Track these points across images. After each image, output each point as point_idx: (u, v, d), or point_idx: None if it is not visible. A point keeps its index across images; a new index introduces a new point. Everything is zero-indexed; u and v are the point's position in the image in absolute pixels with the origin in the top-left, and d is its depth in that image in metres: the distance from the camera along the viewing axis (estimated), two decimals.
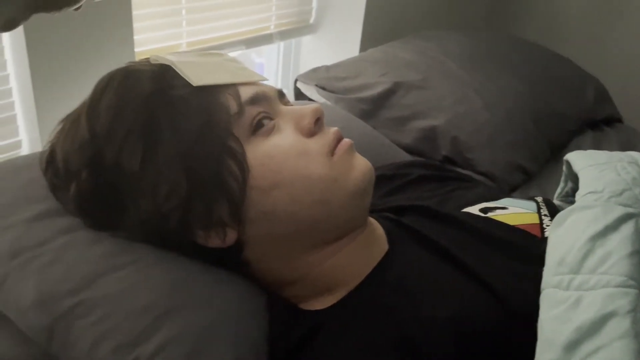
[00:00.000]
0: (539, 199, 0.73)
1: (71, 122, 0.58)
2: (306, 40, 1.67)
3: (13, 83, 0.97)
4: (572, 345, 0.45)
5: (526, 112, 1.21)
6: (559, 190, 0.79)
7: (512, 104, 1.20)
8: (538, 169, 1.17)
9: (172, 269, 0.56)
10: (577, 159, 0.68)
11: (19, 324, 0.54)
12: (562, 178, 0.77)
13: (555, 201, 0.78)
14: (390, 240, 0.62)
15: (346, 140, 0.58)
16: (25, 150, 1.03)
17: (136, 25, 1.10)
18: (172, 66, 0.56)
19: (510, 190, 1.12)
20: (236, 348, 0.53)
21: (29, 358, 0.55)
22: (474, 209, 0.70)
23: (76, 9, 0.49)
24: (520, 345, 0.50)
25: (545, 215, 0.68)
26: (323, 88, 1.24)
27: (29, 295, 0.52)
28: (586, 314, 0.46)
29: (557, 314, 0.48)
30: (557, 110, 1.29)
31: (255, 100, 0.56)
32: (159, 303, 0.53)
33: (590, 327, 0.45)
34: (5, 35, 0.93)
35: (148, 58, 0.60)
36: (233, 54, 1.26)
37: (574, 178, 0.71)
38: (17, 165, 0.65)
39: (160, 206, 0.53)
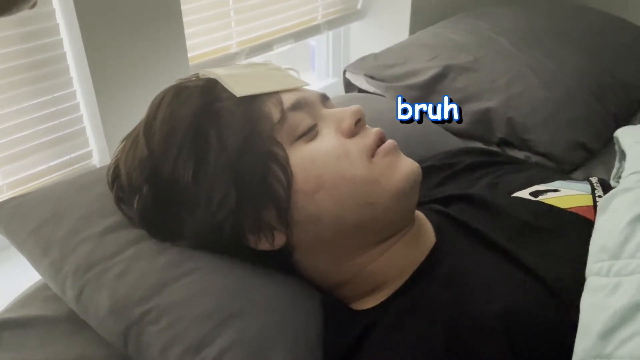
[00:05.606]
0: (594, 179, 0.70)
1: (132, 139, 0.61)
2: (355, 26, 1.66)
3: (80, 98, 1.04)
4: (607, 333, 0.43)
5: (587, 87, 1.15)
6: (614, 170, 0.75)
7: (571, 79, 1.15)
8: (602, 145, 1.12)
9: (231, 275, 0.59)
10: (625, 135, 0.64)
11: (98, 330, 0.59)
12: (617, 156, 0.73)
13: (612, 182, 0.74)
14: (438, 233, 0.62)
15: (389, 142, 0.59)
16: (95, 159, 1.10)
17: (187, 31, 1.14)
18: (218, 80, 0.59)
19: (572, 169, 1.08)
20: (294, 350, 0.55)
21: (109, 359, 0.61)
22: (525, 193, 0.68)
23: (31, 7, 0.45)
24: (571, 336, 0.49)
25: (599, 196, 0.65)
26: (372, 77, 1.24)
27: (104, 304, 0.57)
28: (622, 299, 0.44)
29: (595, 302, 0.46)
30: (623, 80, 1.22)
31: (297, 106, 0.57)
32: (220, 308, 0.56)
33: (625, 313, 0.43)
34: (69, 53, 1.00)
35: (197, 73, 0.63)
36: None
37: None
38: (87, 181, 0.70)
39: (214, 215, 0.56)
